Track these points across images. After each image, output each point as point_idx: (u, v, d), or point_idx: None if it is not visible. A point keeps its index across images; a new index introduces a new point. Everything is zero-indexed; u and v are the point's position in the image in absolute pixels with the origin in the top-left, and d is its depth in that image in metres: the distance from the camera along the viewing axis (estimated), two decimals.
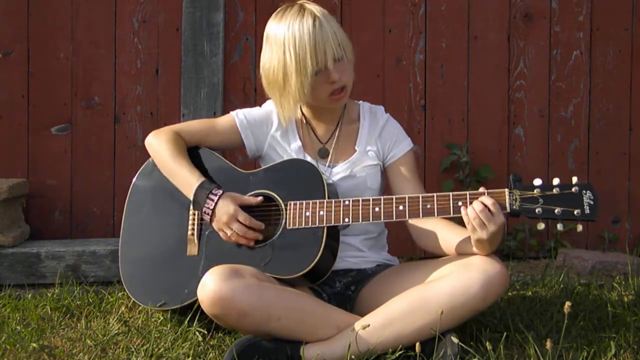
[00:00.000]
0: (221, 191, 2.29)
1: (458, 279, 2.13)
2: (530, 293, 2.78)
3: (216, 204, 2.27)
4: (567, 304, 2.00)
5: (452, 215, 2.18)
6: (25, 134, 3.38)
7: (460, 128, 3.46)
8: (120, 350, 2.25)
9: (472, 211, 2.12)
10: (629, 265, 3.09)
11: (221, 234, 2.30)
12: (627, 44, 3.47)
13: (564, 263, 3.22)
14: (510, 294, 2.76)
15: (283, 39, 2.27)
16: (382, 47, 3.44)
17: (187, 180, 2.34)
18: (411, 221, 2.37)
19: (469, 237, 2.19)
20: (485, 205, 2.11)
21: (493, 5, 3.45)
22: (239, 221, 2.27)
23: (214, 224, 2.30)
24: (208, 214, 2.29)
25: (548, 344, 1.98)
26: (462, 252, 2.24)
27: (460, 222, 2.22)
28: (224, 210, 2.27)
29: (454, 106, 3.46)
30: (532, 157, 3.47)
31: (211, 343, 2.31)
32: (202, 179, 2.32)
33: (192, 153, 2.45)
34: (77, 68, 3.38)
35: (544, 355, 2.08)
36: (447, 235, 2.29)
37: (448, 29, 3.45)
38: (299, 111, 2.46)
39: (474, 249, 2.19)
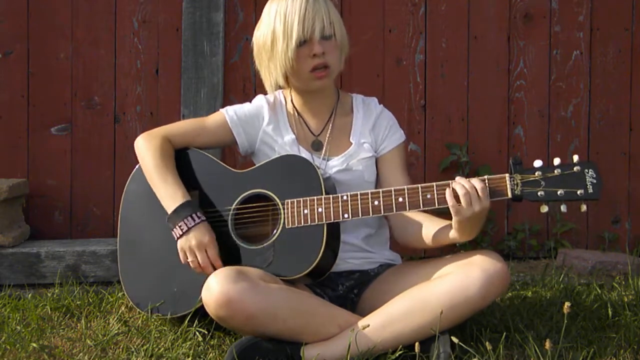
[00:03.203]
0: (205, 219, 2.29)
1: (458, 277, 2.13)
2: (530, 293, 2.78)
3: (197, 225, 2.26)
4: (567, 304, 2.00)
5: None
6: (25, 134, 3.38)
7: (460, 128, 3.46)
8: (120, 350, 2.25)
9: (461, 187, 2.10)
10: (629, 265, 3.09)
11: (181, 254, 2.29)
12: (627, 44, 3.47)
13: (564, 263, 3.22)
14: (510, 294, 2.76)
15: (277, 9, 2.31)
16: (382, 47, 3.44)
17: (170, 196, 2.32)
18: (391, 217, 2.37)
19: (447, 225, 2.20)
20: (475, 188, 2.09)
21: (493, 5, 3.45)
22: (206, 252, 2.26)
23: (180, 241, 2.28)
24: (182, 229, 2.26)
25: (548, 344, 1.98)
26: (440, 239, 2.23)
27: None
28: (200, 236, 2.26)
29: (454, 106, 3.46)
30: (532, 157, 3.43)
31: (211, 343, 2.31)
32: (187, 198, 2.30)
33: (183, 155, 2.42)
34: (77, 68, 3.38)
35: (544, 355, 2.08)
36: (425, 225, 2.28)
37: (448, 29, 3.45)
38: (290, 103, 2.44)
39: (454, 234, 2.17)
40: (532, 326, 2.41)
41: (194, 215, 2.28)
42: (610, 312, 2.50)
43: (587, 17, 3.45)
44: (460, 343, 2.09)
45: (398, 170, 2.42)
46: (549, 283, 2.88)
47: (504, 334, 2.22)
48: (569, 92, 3.47)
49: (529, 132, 3.47)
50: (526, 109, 3.47)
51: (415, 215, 2.32)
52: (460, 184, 2.11)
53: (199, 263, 2.27)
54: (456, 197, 2.11)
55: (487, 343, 2.06)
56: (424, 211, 2.27)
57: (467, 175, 3.37)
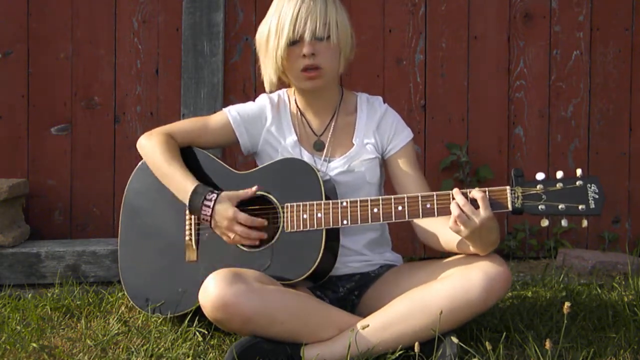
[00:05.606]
0: (216, 194, 2.25)
1: (459, 280, 2.12)
2: (530, 293, 2.78)
3: (213, 209, 2.23)
4: (567, 304, 2.00)
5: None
6: (25, 134, 3.38)
7: (460, 128, 3.46)
8: (120, 350, 2.25)
9: (455, 207, 2.08)
10: (629, 265, 3.09)
11: (224, 237, 2.27)
12: (627, 44, 3.47)
13: (563, 263, 3.22)
14: (510, 294, 2.76)
15: (276, 6, 2.32)
16: (382, 47, 3.44)
17: (181, 185, 2.30)
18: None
19: None
20: (473, 199, 2.07)
21: (493, 5, 3.45)
22: (240, 223, 2.24)
23: (215, 230, 2.27)
24: (207, 220, 2.25)
25: (548, 344, 1.98)
26: (462, 250, 2.22)
27: None
28: (223, 215, 2.23)
29: (454, 106, 3.46)
30: (532, 157, 3.47)
31: (211, 343, 2.31)
32: (196, 183, 2.28)
33: (185, 154, 2.41)
34: (77, 68, 3.38)
35: (544, 355, 2.08)
36: (448, 232, 2.21)
37: (448, 29, 3.45)
38: (294, 103, 2.43)
39: (471, 248, 2.17)
40: (532, 326, 2.41)
41: (205, 201, 2.24)
42: (610, 312, 2.50)
43: (587, 17, 3.45)
44: (461, 343, 2.09)
45: (410, 168, 2.38)
46: (549, 283, 2.88)
47: (504, 334, 2.22)
48: (569, 92, 3.47)
49: (529, 132, 3.47)
50: (526, 109, 3.47)
51: (438, 220, 2.24)
52: (455, 203, 2.08)
53: (241, 237, 2.24)
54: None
55: (487, 343, 2.06)
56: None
57: (467, 175, 3.39)
